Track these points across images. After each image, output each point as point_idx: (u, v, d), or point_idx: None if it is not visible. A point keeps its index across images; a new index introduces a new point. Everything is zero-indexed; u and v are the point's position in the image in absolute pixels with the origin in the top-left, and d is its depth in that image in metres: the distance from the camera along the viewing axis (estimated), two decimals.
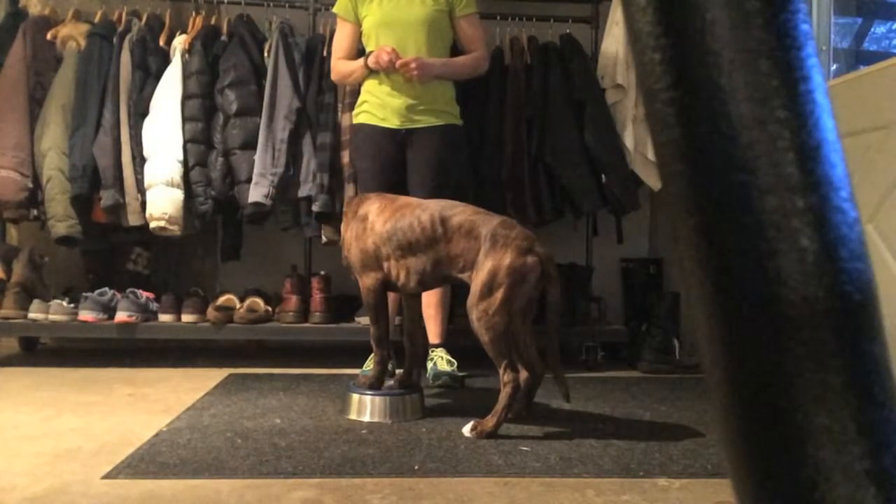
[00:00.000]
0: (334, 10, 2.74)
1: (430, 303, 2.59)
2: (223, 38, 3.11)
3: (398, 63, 2.47)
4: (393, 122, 2.57)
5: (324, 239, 3.06)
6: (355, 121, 2.68)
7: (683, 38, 0.31)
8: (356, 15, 2.66)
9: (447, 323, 2.73)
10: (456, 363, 2.63)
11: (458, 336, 3.08)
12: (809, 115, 0.30)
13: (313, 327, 2.95)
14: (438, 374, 2.56)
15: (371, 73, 2.60)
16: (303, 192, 2.99)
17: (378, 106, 2.59)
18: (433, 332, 2.63)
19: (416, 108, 2.56)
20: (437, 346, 2.66)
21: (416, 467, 1.66)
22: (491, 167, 3.06)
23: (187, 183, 2.92)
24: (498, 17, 3.31)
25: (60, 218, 2.88)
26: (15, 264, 2.95)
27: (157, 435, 1.86)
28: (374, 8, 2.61)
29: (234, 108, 2.93)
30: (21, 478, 1.53)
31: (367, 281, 2.13)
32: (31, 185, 2.91)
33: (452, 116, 2.64)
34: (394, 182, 2.55)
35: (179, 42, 3.02)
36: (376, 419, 2.08)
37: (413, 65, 2.46)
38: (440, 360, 2.61)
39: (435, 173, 2.57)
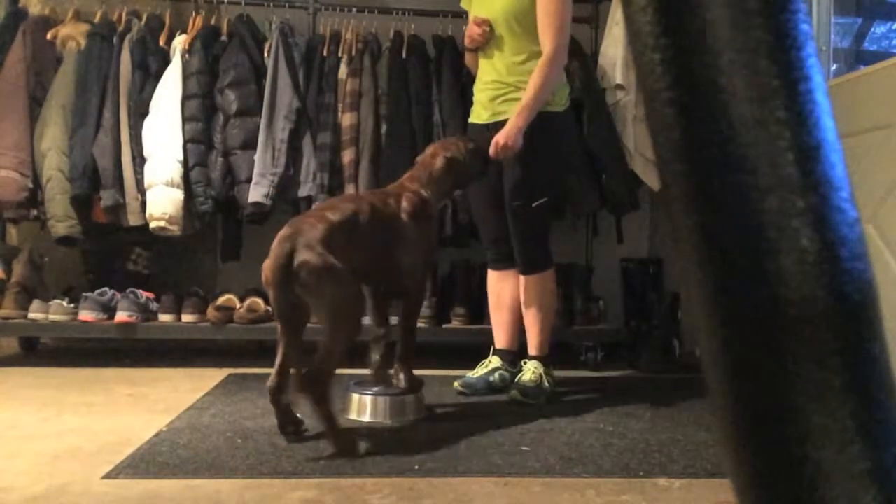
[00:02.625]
0: (461, 4, 2.64)
1: (527, 310, 2.47)
2: (223, 38, 3.11)
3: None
4: (483, 117, 2.47)
5: None
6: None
7: (683, 38, 0.31)
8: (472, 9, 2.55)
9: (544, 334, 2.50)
10: (547, 380, 2.44)
11: (452, 334, 3.08)
12: (809, 115, 0.30)
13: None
14: (522, 387, 2.37)
15: (478, 60, 2.51)
16: (303, 192, 2.99)
17: (476, 102, 2.53)
18: (529, 342, 2.50)
19: (500, 98, 2.41)
20: (531, 357, 2.49)
21: (416, 467, 1.66)
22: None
23: (187, 183, 2.92)
24: None
25: (60, 218, 2.88)
26: (15, 264, 2.95)
27: (157, 435, 1.86)
28: (475, 5, 2.51)
29: (234, 108, 2.93)
30: (21, 478, 1.53)
31: None
32: (31, 185, 2.90)
33: (546, 104, 2.36)
34: (491, 180, 2.43)
35: (179, 42, 3.02)
36: (376, 419, 2.08)
37: (500, 146, 2.29)
38: (528, 373, 2.44)
39: (515, 167, 2.36)
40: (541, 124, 2.34)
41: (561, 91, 2.43)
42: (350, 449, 1.72)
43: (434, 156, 2.26)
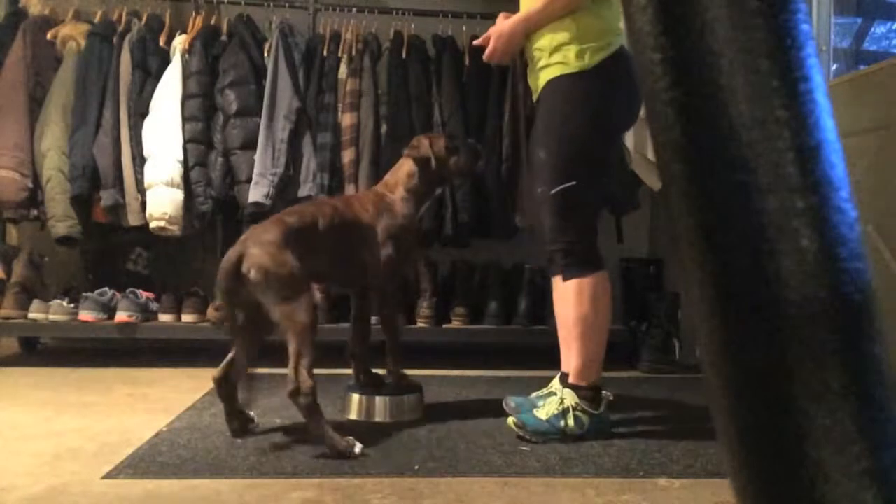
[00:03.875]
0: None
1: (562, 325, 2.03)
2: (223, 38, 3.11)
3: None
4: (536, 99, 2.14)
5: None
6: None
7: (683, 37, 0.31)
8: None
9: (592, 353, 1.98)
10: (578, 417, 1.93)
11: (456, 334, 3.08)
12: (809, 115, 0.30)
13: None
14: (526, 419, 1.93)
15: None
16: (303, 192, 3.00)
17: None
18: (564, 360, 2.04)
19: (534, 75, 2.08)
20: (566, 385, 1.99)
21: (416, 467, 1.65)
22: (490, 165, 3.06)
23: (187, 183, 2.92)
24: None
25: (60, 218, 2.88)
26: (15, 264, 2.95)
27: (157, 435, 1.86)
28: None
29: (234, 108, 2.93)
30: (21, 478, 1.53)
31: None
32: (31, 185, 2.91)
33: (560, 66, 1.96)
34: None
35: (179, 42, 3.02)
36: (376, 419, 2.08)
37: (489, 47, 2.06)
38: (552, 403, 1.95)
39: (536, 139, 2.05)
40: (553, 91, 1.98)
41: (574, 47, 1.94)
42: (345, 451, 1.72)
43: (403, 156, 2.26)
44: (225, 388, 1.88)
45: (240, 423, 1.91)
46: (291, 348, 1.76)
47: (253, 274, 1.77)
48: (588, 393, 1.96)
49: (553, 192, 1.95)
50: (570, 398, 1.95)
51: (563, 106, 1.96)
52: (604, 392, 2.00)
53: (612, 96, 1.96)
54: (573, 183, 1.93)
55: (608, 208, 3.20)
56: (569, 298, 1.99)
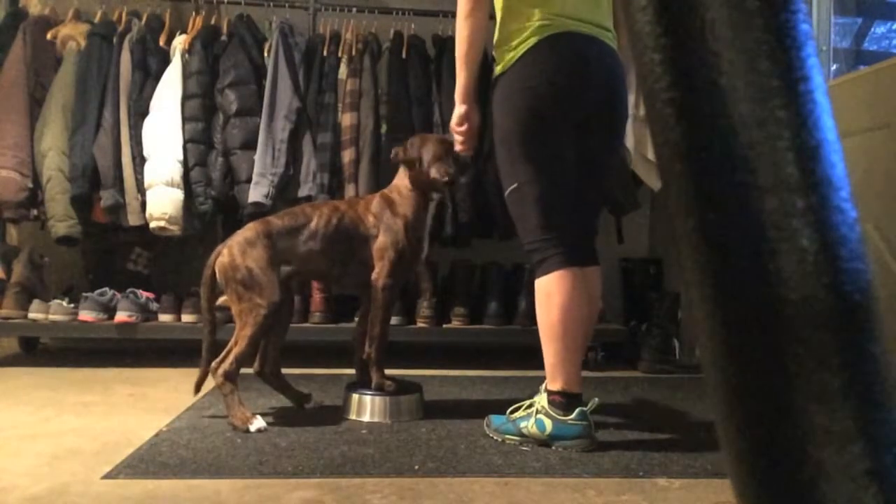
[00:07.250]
0: None
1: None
2: (223, 38, 3.11)
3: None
4: None
5: None
6: None
7: (683, 38, 0.31)
8: None
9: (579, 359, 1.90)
10: (541, 425, 1.85)
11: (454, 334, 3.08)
12: (809, 115, 0.30)
13: (313, 327, 2.95)
14: (494, 421, 1.96)
15: None
16: (303, 191, 3.00)
17: None
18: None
19: None
20: (546, 391, 1.90)
21: (416, 467, 1.65)
22: (490, 165, 3.06)
23: (187, 183, 2.92)
24: None
25: (60, 218, 2.88)
26: (15, 264, 2.95)
27: (157, 435, 1.86)
28: None
29: (234, 108, 2.93)
30: (21, 478, 1.53)
31: None
32: (31, 185, 2.91)
33: (496, 69, 1.96)
34: None
35: (179, 42, 3.02)
36: (376, 419, 2.08)
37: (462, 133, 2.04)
38: (523, 406, 1.93)
39: None
40: (493, 95, 1.95)
41: (498, 50, 1.93)
42: (243, 425, 1.91)
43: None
44: (266, 377, 2.21)
45: (297, 397, 2.22)
46: (235, 336, 2.01)
47: (218, 273, 2.01)
48: (557, 398, 1.85)
49: (505, 195, 1.95)
50: (540, 401, 1.88)
51: (493, 109, 1.94)
52: (592, 400, 1.89)
53: (531, 89, 1.84)
54: (515, 185, 1.89)
55: (608, 208, 3.20)
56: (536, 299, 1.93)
